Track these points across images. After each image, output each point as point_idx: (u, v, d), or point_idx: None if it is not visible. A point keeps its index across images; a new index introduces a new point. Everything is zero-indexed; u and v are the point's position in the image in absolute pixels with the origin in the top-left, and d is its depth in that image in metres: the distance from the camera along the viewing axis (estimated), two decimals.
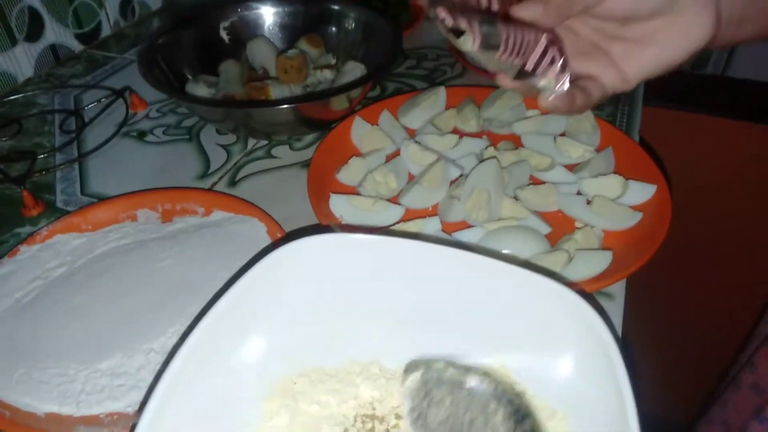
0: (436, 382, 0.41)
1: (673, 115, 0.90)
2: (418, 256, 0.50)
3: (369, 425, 0.48)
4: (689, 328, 0.73)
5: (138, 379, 0.54)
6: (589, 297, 0.45)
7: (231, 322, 0.46)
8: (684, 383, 0.68)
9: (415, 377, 0.41)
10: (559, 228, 0.68)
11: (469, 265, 0.48)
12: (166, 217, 0.72)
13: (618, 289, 0.63)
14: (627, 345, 0.44)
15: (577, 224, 0.69)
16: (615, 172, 0.74)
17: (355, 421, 0.49)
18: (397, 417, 0.49)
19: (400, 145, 0.79)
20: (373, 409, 0.49)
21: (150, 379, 0.54)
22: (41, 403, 0.52)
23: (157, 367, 0.54)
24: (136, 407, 0.52)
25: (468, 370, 0.41)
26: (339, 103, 0.81)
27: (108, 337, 0.57)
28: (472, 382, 0.41)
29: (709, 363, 0.73)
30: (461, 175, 0.75)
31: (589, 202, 0.71)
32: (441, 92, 0.87)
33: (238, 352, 0.46)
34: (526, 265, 0.48)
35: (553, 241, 0.66)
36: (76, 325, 0.58)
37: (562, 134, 0.81)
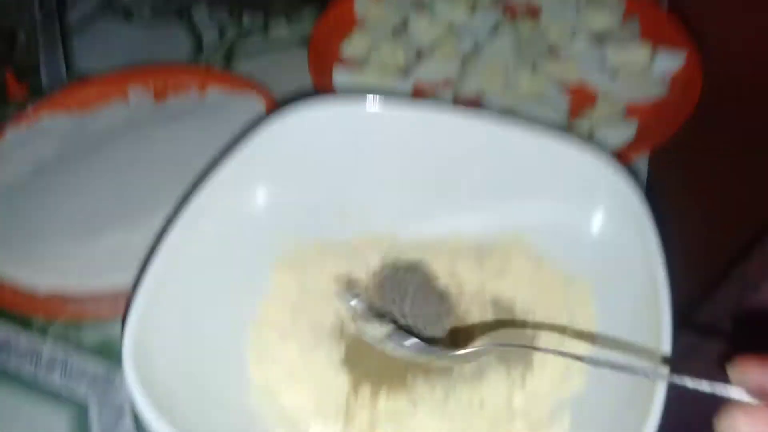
0: None
1: None
2: (433, 125, 0.46)
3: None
4: (709, 217, 0.70)
5: (139, 256, 0.52)
6: (617, 160, 0.42)
7: (234, 187, 0.43)
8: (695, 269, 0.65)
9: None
10: (580, 100, 0.64)
11: (487, 132, 0.45)
12: (159, 95, 0.67)
13: (641, 165, 0.59)
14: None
15: (600, 96, 0.64)
16: (642, 40, 0.68)
17: (366, 291, 0.47)
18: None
19: (408, 16, 0.73)
20: None
21: None
22: (42, 280, 0.51)
23: None
24: None
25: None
26: None
27: (107, 214, 0.55)
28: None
29: (721, 253, 0.70)
30: (475, 48, 0.69)
31: (612, 73, 0.65)
32: None
33: (242, 220, 0.44)
34: (546, 130, 0.44)
35: (574, 113, 0.62)
36: (73, 203, 0.56)
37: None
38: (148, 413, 0.31)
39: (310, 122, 0.46)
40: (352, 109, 0.46)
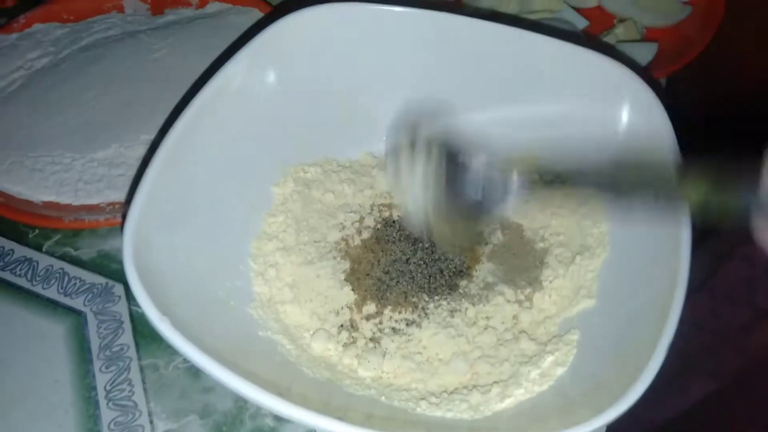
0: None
1: None
2: (443, 29, 0.43)
3: (386, 213, 0.45)
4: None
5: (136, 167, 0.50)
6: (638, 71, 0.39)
7: (241, 84, 0.40)
8: None
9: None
10: (598, 23, 0.61)
11: (505, 34, 0.42)
12: (157, 8, 0.64)
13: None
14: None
15: (618, 20, 0.62)
16: None
17: (372, 209, 0.46)
18: None
19: None
20: (391, 198, 0.46)
21: None
22: (37, 192, 0.49)
23: None
24: None
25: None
26: None
27: (103, 127, 0.53)
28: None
29: None
30: None
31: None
32: None
33: (247, 127, 0.42)
34: (564, 37, 0.41)
35: (592, 34, 0.59)
36: (67, 115, 0.54)
37: None
38: (150, 313, 0.30)
39: (319, 20, 0.43)
40: (365, 7, 0.43)
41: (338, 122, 0.46)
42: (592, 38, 0.59)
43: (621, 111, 0.39)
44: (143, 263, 0.32)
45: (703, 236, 0.55)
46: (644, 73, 0.42)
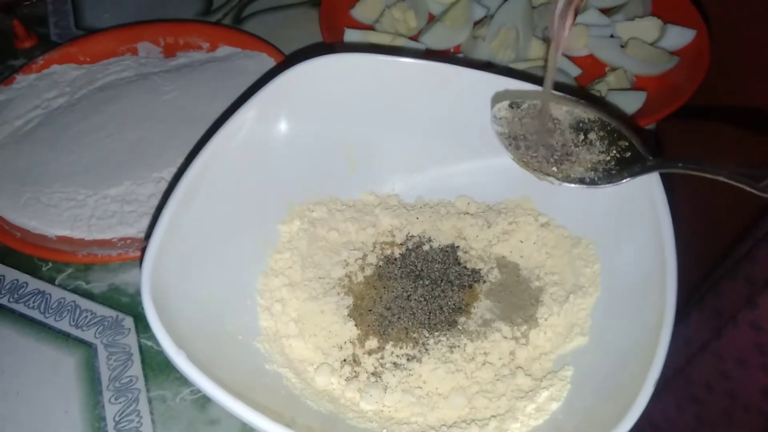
0: (524, 110, 0.42)
1: None
2: (445, 79, 0.46)
3: (388, 251, 0.47)
4: (707, 194, 0.70)
5: (149, 207, 0.52)
6: (630, 124, 0.42)
7: (243, 142, 0.43)
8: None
9: (502, 105, 0.42)
10: (590, 71, 0.64)
11: (498, 87, 0.45)
12: (169, 51, 0.67)
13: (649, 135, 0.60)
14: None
15: (609, 68, 0.65)
16: (652, 15, 0.68)
17: (374, 247, 0.48)
18: (416, 244, 0.48)
19: None
20: (393, 236, 0.48)
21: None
22: (51, 227, 0.51)
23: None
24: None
25: (553, 104, 0.41)
26: None
27: (116, 165, 0.55)
28: (559, 111, 0.41)
29: (716, 236, 0.71)
30: (486, 16, 0.69)
31: (623, 46, 0.66)
32: None
33: (256, 172, 0.44)
34: (558, 88, 0.44)
35: (583, 84, 0.62)
36: (82, 153, 0.56)
37: None
38: (167, 347, 0.32)
39: (326, 70, 0.45)
40: (370, 58, 0.45)
41: (343, 165, 0.48)
42: (583, 87, 0.62)
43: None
44: (160, 298, 0.34)
45: (703, 296, 0.57)
46: (632, 121, 0.44)
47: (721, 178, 0.33)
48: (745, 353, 0.51)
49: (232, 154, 0.41)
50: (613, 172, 0.39)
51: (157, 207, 0.52)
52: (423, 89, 0.46)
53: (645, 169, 0.38)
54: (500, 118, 0.42)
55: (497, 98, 0.44)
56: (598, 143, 0.40)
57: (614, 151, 0.39)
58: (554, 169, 0.40)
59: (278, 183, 0.45)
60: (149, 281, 0.34)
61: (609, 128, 0.40)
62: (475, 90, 0.44)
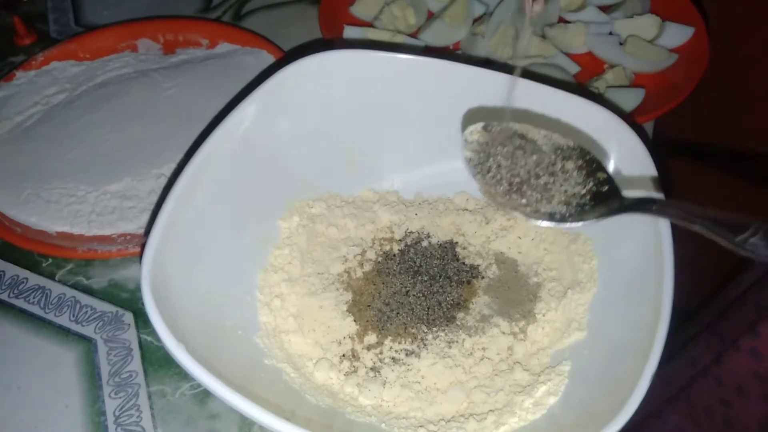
0: (497, 133, 0.38)
1: None
2: (444, 75, 0.46)
3: (387, 247, 0.48)
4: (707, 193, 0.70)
5: (149, 203, 0.52)
6: (627, 119, 0.42)
7: (242, 138, 0.43)
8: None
9: (475, 128, 0.38)
10: (588, 69, 0.64)
11: (499, 82, 0.45)
12: (169, 48, 0.67)
13: (646, 129, 0.60)
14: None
15: (607, 66, 0.65)
16: (651, 13, 0.68)
17: (373, 243, 0.48)
18: (415, 240, 0.48)
19: None
20: (392, 232, 0.48)
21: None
22: (51, 223, 0.51)
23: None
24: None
25: (531, 128, 0.38)
26: None
27: (116, 162, 0.55)
28: (536, 134, 0.38)
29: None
30: (485, 13, 0.69)
31: (621, 43, 0.66)
32: None
33: (249, 172, 0.44)
34: (558, 84, 0.44)
35: (582, 80, 0.62)
36: (82, 149, 0.56)
37: None
38: (167, 341, 0.32)
39: (326, 66, 0.45)
40: (369, 54, 0.45)
41: (342, 161, 0.49)
42: (582, 84, 0.62)
43: (609, 157, 0.42)
44: (160, 293, 0.34)
45: (711, 318, 0.56)
46: (629, 118, 0.44)
47: (695, 229, 0.29)
48: (744, 381, 0.51)
49: (231, 149, 0.42)
50: (586, 207, 0.35)
51: (157, 203, 0.52)
52: (422, 85, 0.46)
53: (620, 209, 0.34)
54: (471, 142, 0.38)
55: (470, 117, 0.43)
56: (575, 173, 0.36)
57: (591, 184, 0.36)
58: (523, 201, 0.36)
59: (277, 179, 0.46)
60: (149, 276, 0.34)
61: (587, 158, 0.36)
62: (474, 86, 0.45)
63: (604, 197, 0.35)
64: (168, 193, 0.38)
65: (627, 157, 0.41)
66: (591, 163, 0.36)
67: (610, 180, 0.36)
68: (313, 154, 0.47)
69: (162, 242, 0.35)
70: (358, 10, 0.70)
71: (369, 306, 0.43)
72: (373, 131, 0.48)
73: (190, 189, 0.39)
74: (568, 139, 0.37)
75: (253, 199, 0.44)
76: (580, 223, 0.35)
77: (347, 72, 0.45)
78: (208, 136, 0.41)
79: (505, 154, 0.37)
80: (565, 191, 0.36)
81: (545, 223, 0.35)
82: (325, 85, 0.45)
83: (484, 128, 0.38)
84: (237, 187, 0.42)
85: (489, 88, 0.45)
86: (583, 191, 0.36)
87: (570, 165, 0.36)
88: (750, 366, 0.50)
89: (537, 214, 0.35)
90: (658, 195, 0.34)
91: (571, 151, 0.37)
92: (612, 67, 0.64)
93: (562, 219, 0.35)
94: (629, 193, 0.35)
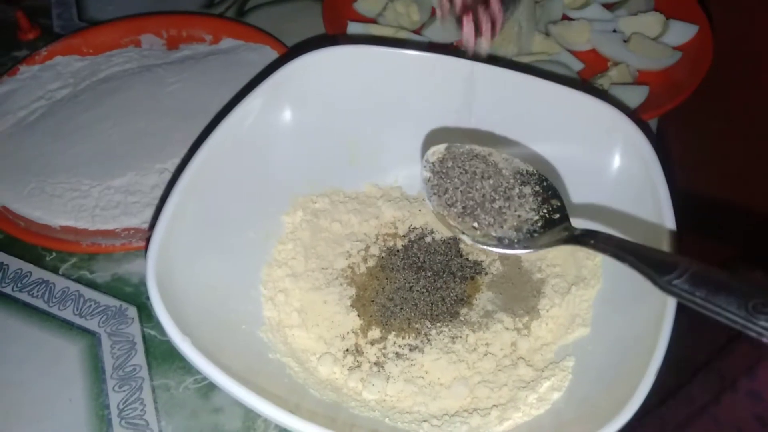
0: (459, 155, 0.39)
1: None
2: (448, 72, 0.46)
3: (390, 243, 0.48)
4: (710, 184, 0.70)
5: (152, 197, 0.53)
6: (633, 116, 0.42)
7: (248, 132, 0.43)
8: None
9: (438, 149, 0.39)
10: (592, 66, 0.64)
11: (503, 78, 0.45)
12: (172, 43, 0.67)
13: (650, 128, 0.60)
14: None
15: (611, 63, 0.65)
16: (655, 10, 0.68)
17: (377, 239, 0.48)
18: (418, 236, 0.48)
19: None
20: (395, 228, 0.48)
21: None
22: (55, 217, 0.51)
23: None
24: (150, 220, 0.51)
25: (493, 151, 0.39)
26: None
27: (119, 156, 0.55)
28: (498, 158, 0.38)
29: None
30: None
31: (626, 41, 0.66)
32: None
33: (254, 166, 0.44)
34: (562, 81, 0.44)
35: (586, 78, 0.62)
36: (86, 143, 0.56)
37: None
38: (172, 333, 0.32)
39: (331, 61, 0.46)
40: (374, 49, 0.45)
41: (345, 157, 0.49)
42: (586, 81, 0.62)
43: (614, 153, 0.42)
44: (165, 286, 0.34)
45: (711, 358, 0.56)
46: (634, 115, 0.44)
47: (626, 265, 0.30)
48: (742, 423, 0.50)
49: (236, 144, 0.42)
50: (536, 234, 0.35)
51: (161, 197, 0.52)
52: (426, 81, 0.46)
53: (566, 240, 0.34)
54: (432, 162, 0.39)
55: (433, 137, 0.44)
56: (530, 199, 0.37)
57: (544, 210, 0.36)
58: (474, 224, 0.36)
59: (281, 174, 0.46)
60: (154, 269, 0.34)
61: (544, 184, 0.37)
62: (477, 82, 0.45)
63: (554, 225, 0.36)
64: (173, 187, 0.38)
65: (632, 154, 0.41)
66: (547, 189, 0.37)
67: (562, 208, 0.36)
68: (317, 149, 0.47)
69: (167, 236, 0.35)
70: (361, 7, 0.70)
71: (373, 301, 0.44)
72: (377, 127, 0.48)
73: (195, 183, 0.39)
74: (527, 165, 0.38)
75: (257, 194, 0.44)
76: (526, 251, 0.36)
77: (352, 67, 0.45)
78: (213, 131, 0.41)
79: (464, 177, 0.38)
80: (519, 216, 0.36)
81: (493, 249, 0.36)
82: (330, 80, 0.45)
83: (447, 149, 0.39)
84: (241, 182, 0.43)
85: (490, 84, 0.45)
86: (536, 217, 0.36)
87: (527, 190, 0.37)
88: (748, 408, 0.49)
89: (486, 238, 0.36)
90: (600, 230, 0.34)
91: (529, 177, 0.38)
92: (616, 64, 0.64)
93: (510, 245, 0.35)
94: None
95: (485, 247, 0.36)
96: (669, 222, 0.36)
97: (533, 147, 0.46)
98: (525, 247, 0.35)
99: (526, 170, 0.38)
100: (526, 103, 0.45)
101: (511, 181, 0.37)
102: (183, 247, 0.37)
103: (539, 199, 0.37)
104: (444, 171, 0.38)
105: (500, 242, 0.35)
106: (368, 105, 0.47)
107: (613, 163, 0.42)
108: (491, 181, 0.37)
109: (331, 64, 0.45)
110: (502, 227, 0.36)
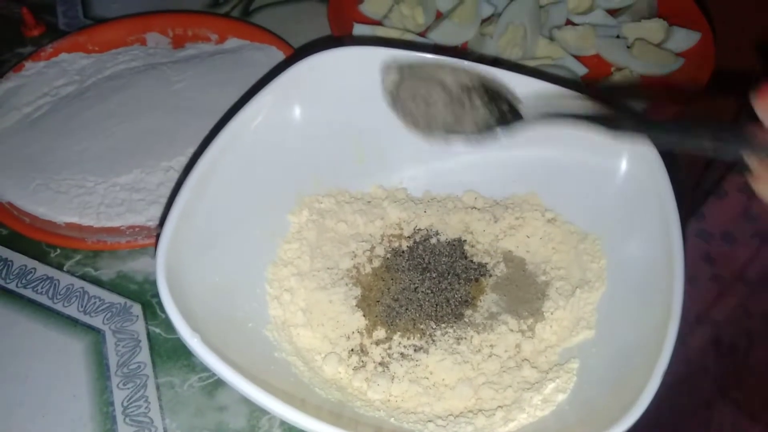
0: (411, 76, 0.41)
1: None
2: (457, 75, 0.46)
3: (396, 243, 0.48)
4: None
5: (158, 195, 0.53)
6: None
7: (256, 130, 0.43)
8: None
9: (391, 76, 0.42)
10: (596, 71, 0.65)
11: (507, 81, 0.45)
12: (178, 42, 0.67)
13: None
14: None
15: (615, 68, 0.65)
16: (659, 17, 0.69)
17: (382, 239, 0.48)
18: (423, 237, 0.48)
19: None
20: (400, 229, 0.49)
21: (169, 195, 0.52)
22: (60, 213, 0.51)
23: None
24: (157, 222, 0.51)
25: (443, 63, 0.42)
26: None
27: (125, 154, 0.55)
28: (445, 74, 0.41)
29: None
30: (494, 14, 0.69)
31: (629, 47, 0.66)
32: None
33: (261, 165, 0.44)
34: (564, 83, 0.45)
35: (590, 80, 0.63)
36: (92, 140, 0.56)
37: None
38: (182, 330, 0.32)
39: (340, 61, 0.46)
40: (382, 51, 0.45)
41: (352, 157, 0.49)
42: (591, 84, 0.62)
43: (620, 157, 0.42)
44: (174, 284, 0.34)
45: None
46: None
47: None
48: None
49: (244, 143, 0.42)
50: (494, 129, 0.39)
51: (170, 195, 0.52)
52: None
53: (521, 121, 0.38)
54: (390, 92, 0.42)
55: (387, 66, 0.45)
56: (481, 107, 0.40)
57: (496, 112, 0.39)
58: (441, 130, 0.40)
59: (288, 174, 0.46)
60: (164, 266, 0.34)
61: (491, 92, 0.40)
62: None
63: (510, 117, 0.39)
64: (182, 184, 0.38)
65: (638, 159, 0.41)
66: (496, 94, 0.40)
67: (512, 107, 0.39)
68: (323, 149, 0.47)
69: (176, 233, 0.35)
70: (367, 9, 0.70)
71: (378, 301, 0.44)
72: (384, 127, 0.48)
73: (204, 180, 0.39)
74: (471, 77, 0.41)
75: (263, 192, 0.44)
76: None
77: (361, 68, 0.45)
78: (222, 129, 0.41)
79: (420, 90, 0.41)
80: (475, 120, 0.39)
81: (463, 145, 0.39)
82: (340, 80, 0.46)
83: (399, 73, 0.42)
84: (248, 181, 0.43)
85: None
86: (491, 118, 0.39)
87: (477, 101, 0.40)
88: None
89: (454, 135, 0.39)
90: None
91: (474, 89, 0.40)
92: (619, 69, 0.64)
93: (476, 138, 0.39)
94: None
95: (455, 141, 0.40)
96: (675, 230, 0.37)
97: (539, 150, 0.46)
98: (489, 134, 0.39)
99: (472, 84, 0.40)
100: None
101: (462, 93, 0.40)
102: (192, 244, 0.37)
103: (492, 104, 0.40)
104: (401, 97, 0.41)
105: (468, 138, 0.39)
106: (375, 106, 0.47)
107: (619, 168, 0.43)
108: (446, 94, 0.40)
109: (341, 65, 0.45)
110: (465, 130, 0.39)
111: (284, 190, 0.46)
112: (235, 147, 0.41)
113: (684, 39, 0.67)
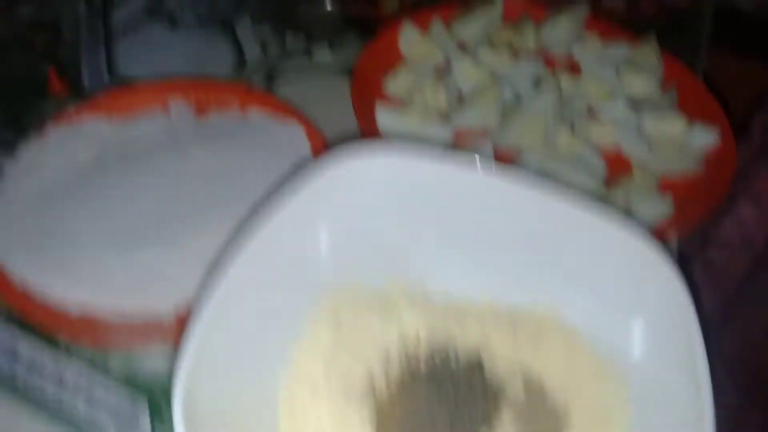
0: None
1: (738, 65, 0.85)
2: (479, 189, 0.47)
3: (413, 359, 0.47)
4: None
5: (177, 275, 0.52)
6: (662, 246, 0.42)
7: (275, 244, 0.43)
8: None
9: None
10: (616, 167, 0.65)
11: (528, 199, 0.45)
12: (200, 109, 0.67)
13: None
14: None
15: (635, 165, 0.66)
16: (678, 111, 0.69)
17: (398, 348, 0.47)
18: (440, 347, 0.47)
19: (451, 58, 0.74)
20: (417, 336, 0.48)
21: (189, 275, 0.51)
22: (73, 293, 0.50)
23: (197, 264, 0.51)
24: (172, 311, 0.50)
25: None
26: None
27: (144, 229, 0.55)
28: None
29: None
30: (516, 98, 0.70)
31: (648, 142, 0.67)
32: (498, 3, 0.80)
33: (279, 282, 0.44)
34: (587, 202, 0.45)
35: (609, 181, 0.63)
36: (110, 213, 0.56)
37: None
38: None
39: (361, 171, 0.46)
40: (407, 162, 0.46)
41: (373, 259, 0.48)
42: (611, 182, 0.62)
43: (645, 289, 0.42)
44: (189, 413, 0.33)
45: None
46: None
47: None
48: None
49: (264, 259, 0.41)
50: None
51: (184, 279, 0.51)
52: (466, 198, 0.46)
53: None
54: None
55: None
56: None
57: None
58: None
59: (306, 282, 0.45)
60: (181, 396, 0.33)
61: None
62: (516, 205, 0.45)
63: None
64: (197, 312, 0.37)
65: (662, 293, 0.41)
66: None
67: None
68: (344, 257, 0.47)
69: (193, 364, 0.35)
70: (391, 86, 0.71)
71: (394, 421, 0.43)
72: (408, 236, 0.48)
73: (223, 302, 0.38)
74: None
75: (279, 308, 0.44)
76: None
77: (388, 177, 0.46)
78: (240, 247, 0.40)
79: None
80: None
81: None
82: (364, 190, 0.46)
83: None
84: (266, 298, 0.42)
85: (534, 207, 0.45)
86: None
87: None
88: None
89: None
90: None
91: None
92: (640, 167, 0.64)
93: None
94: None
95: None
96: (705, 387, 0.36)
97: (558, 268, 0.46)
98: None
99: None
100: (553, 224, 0.46)
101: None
102: (208, 371, 0.36)
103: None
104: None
105: None
106: (401, 214, 0.47)
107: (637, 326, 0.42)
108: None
109: (367, 176, 0.45)
110: None
111: (301, 300, 0.46)
112: (254, 265, 0.41)
113: (704, 137, 0.67)
